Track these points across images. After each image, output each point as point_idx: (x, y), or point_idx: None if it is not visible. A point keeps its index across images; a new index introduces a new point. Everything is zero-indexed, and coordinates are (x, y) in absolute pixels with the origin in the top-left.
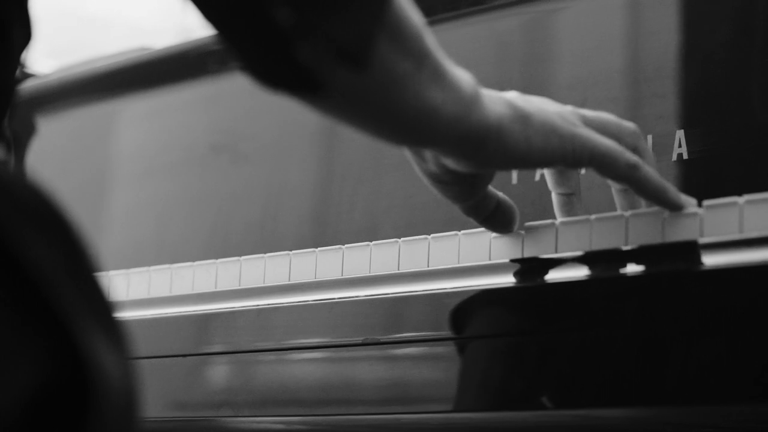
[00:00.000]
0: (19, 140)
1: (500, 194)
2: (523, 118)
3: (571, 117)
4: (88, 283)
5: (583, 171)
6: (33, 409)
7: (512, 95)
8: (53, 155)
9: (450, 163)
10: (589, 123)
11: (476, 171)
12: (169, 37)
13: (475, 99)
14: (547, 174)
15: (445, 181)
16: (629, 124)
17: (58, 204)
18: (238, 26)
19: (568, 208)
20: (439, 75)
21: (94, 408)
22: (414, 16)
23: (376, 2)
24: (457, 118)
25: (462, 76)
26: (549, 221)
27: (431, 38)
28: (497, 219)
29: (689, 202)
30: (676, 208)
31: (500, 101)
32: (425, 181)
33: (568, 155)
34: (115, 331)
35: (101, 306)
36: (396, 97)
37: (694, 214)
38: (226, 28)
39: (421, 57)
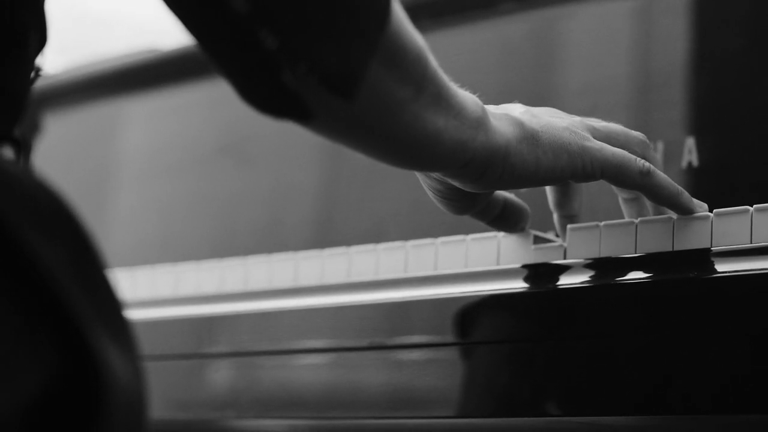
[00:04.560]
0: (26, 139)
1: (508, 194)
2: (531, 137)
3: (581, 130)
4: (97, 283)
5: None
6: (41, 409)
7: (519, 112)
8: (60, 154)
9: (456, 183)
10: (597, 134)
11: (482, 191)
12: (175, 37)
13: (480, 122)
14: (549, 195)
15: (449, 197)
16: (637, 134)
17: (66, 203)
18: (225, 49)
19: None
20: (440, 100)
21: (103, 408)
22: (414, 39)
23: (371, 30)
24: (462, 143)
25: (467, 99)
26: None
27: (433, 62)
28: (505, 220)
29: (701, 206)
30: (688, 211)
31: (507, 121)
32: (429, 195)
33: (578, 170)
34: (124, 332)
35: (110, 306)
36: (393, 124)
37: (704, 222)
38: (213, 50)
39: (420, 82)
